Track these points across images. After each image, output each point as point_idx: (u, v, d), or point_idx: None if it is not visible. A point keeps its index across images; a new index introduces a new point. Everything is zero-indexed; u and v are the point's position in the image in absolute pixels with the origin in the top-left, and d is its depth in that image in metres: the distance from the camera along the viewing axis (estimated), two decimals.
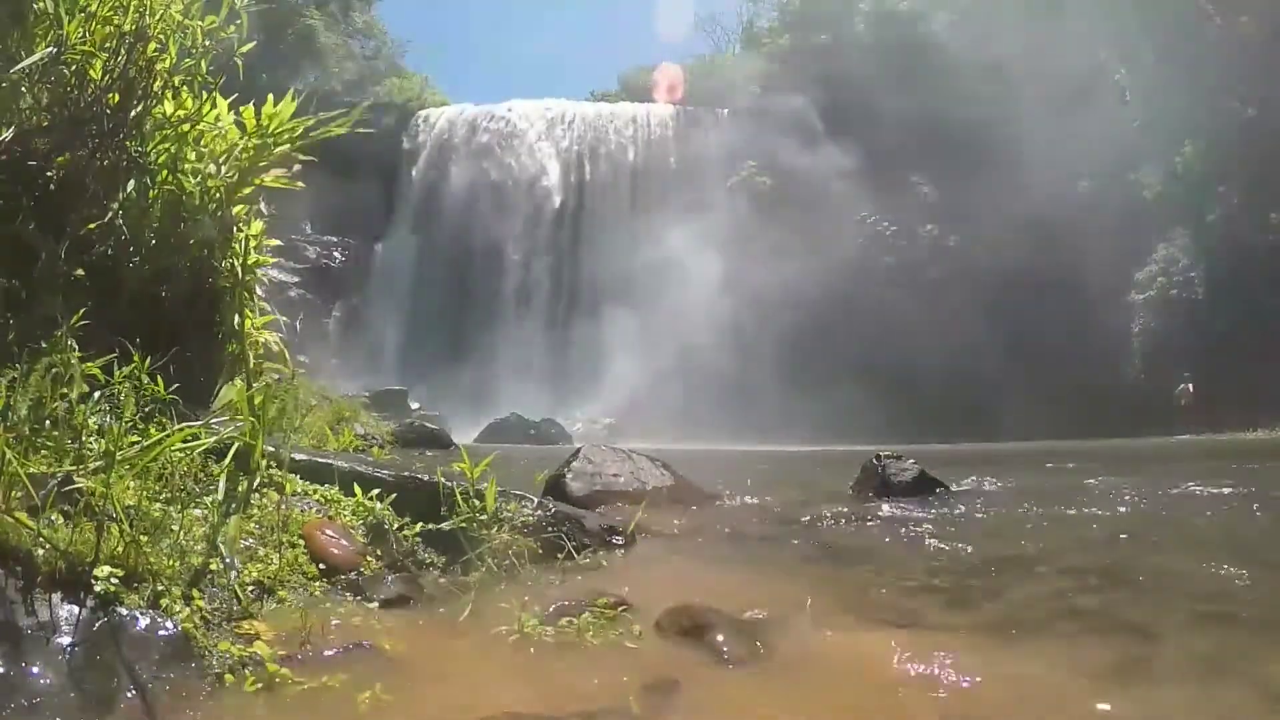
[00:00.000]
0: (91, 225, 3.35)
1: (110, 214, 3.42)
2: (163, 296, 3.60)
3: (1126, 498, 5.86)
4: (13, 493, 2.03)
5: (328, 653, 2.15)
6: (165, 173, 3.72)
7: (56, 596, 1.93)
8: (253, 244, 4.12)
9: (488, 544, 3.03)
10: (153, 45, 3.63)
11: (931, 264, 27.74)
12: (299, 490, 3.04)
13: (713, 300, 27.31)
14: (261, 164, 3.88)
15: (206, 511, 2.47)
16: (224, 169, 3.82)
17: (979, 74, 26.28)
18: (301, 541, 2.68)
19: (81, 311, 2.89)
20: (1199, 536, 4.47)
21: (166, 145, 3.73)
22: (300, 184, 4.05)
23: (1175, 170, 26.96)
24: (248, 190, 3.93)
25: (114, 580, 1.99)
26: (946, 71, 26.90)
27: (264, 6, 3.98)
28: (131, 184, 3.54)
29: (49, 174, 3.40)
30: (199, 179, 3.78)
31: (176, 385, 3.02)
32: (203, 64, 3.86)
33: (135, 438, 2.42)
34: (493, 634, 2.41)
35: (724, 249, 27.92)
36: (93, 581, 1.97)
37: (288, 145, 3.88)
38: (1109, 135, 26.86)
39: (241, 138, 3.86)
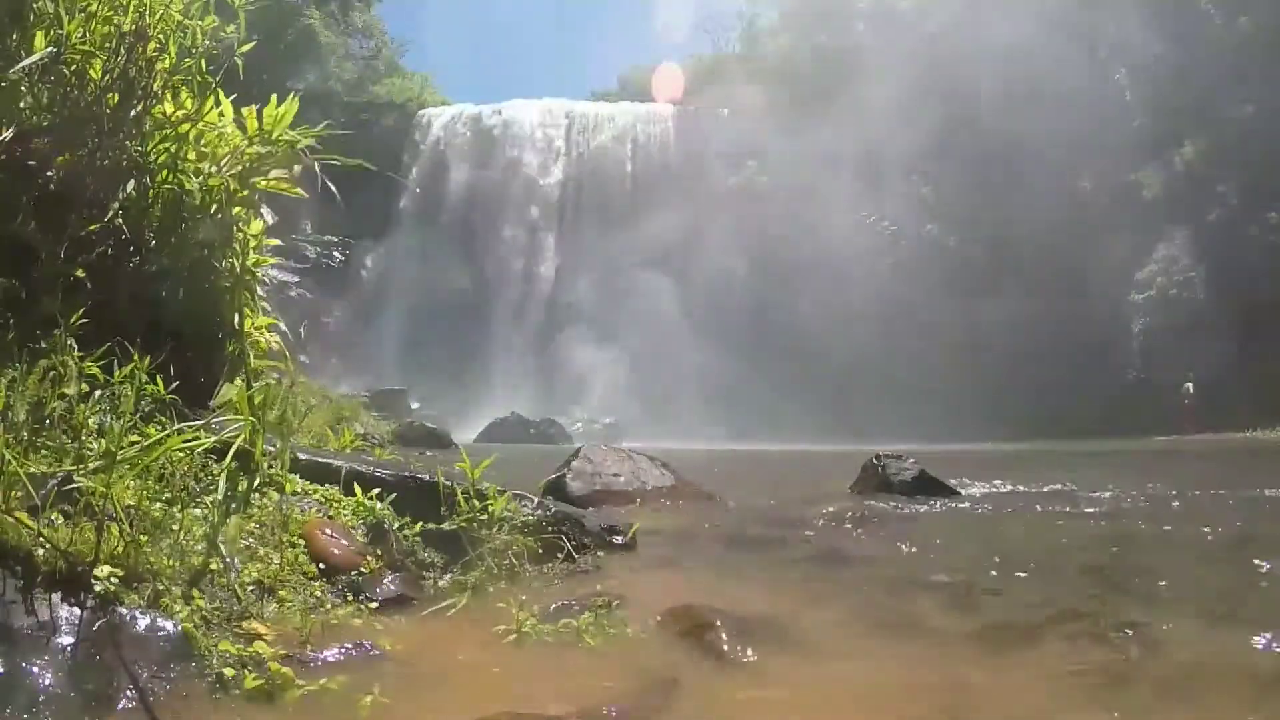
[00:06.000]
0: (91, 225, 3.34)
1: (110, 214, 3.41)
2: (163, 296, 3.60)
3: (1125, 499, 5.85)
4: (13, 493, 2.03)
5: (328, 653, 2.15)
6: (165, 173, 3.72)
7: (56, 596, 1.92)
8: (253, 244, 4.12)
9: (488, 544, 3.03)
10: (153, 45, 3.62)
11: (932, 264, 27.73)
12: (299, 490, 3.04)
13: (714, 300, 27.32)
14: (263, 167, 3.88)
15: (206, 511, 2.47)
16: (225, 170, 3.81)
17: (979, 74, 26.27)
18: (301, 541, 2.68)
19: (81, 311, 2.89)
20: (1197, 538, 4.46)
21: (166, 145, 3.72)
22: (301, 191, 4.05)
23: (1175, 170, 26.96)
24: (247, 193, 3.92)
25: (114, 580, 1.99)
26: (947, 71, 26.88)
27: (263, 4, 3.97)
28: (131, 184, 3.54)
29: (49, 174, 3.39)
30: (200, 179, 3.77)
31: (176, 385, 3.02)
32: (202, 63, 3.86)
33: (135, 437, 2.42)
34: (493, 634, 2.41)
35: (725, 249, 27.94)
36: (93, 581, 1.96)
37: (289, 150, 3.88)
38: (1109, 135, 26.87)
39: (242, 139, 3.86)
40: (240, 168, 3.79)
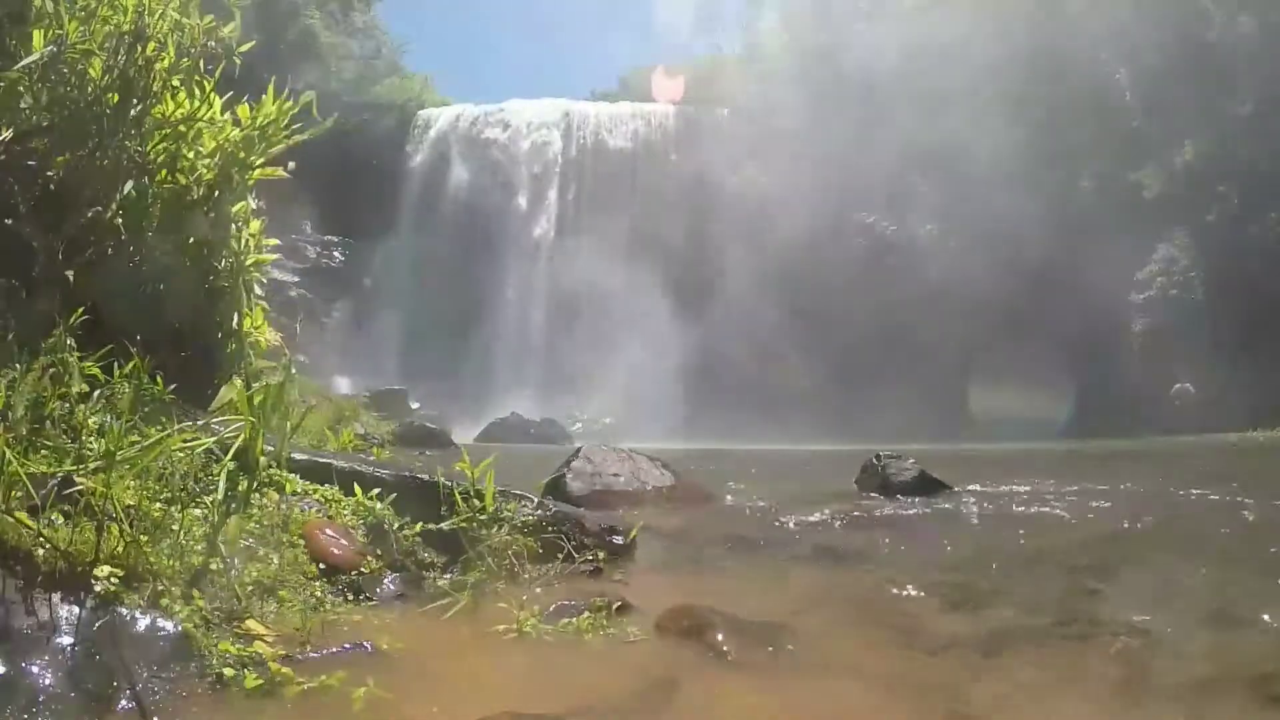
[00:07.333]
0: (91, 225, 3.34)
1: (110, 213, 3.42)
2: (163, 296, 3.60)
3: (1124, 499, 5.85)
4: (13, 493, 2.03)
5: (328, 652, 2.15)
6: (164, 172, 3.72)
7: (56, 596, 1.92)
8: (252, 243, 4.12)
9: (488, 544, 3.02)
10: (152, 45, 3.63)
11: (931, 264, 27.71)
12: (299, 490, 3.03)
13: (713, 299, 27.33)
14: (252, 158, 3.88)
15: (206, 511, 2.47)
16: (218, 164, 3.82)
17: (979, 74, 26.27)
18: (301, 541, 2.67)
19: (81, 311, 2.89)
20: (1196, 538, 4.46)
21: (165, 144, 3.72)
22: (284, 172, 4.05)
23: (1175, 170, 26.95)
24: (241, 187, 3.93)
25: (114, 580, 1.99)
26: (947, 70, 26.87)
27: (263, 4, 4.00)
28: (131, 183, 3.54)
29: (49, 174, 3.39)
30: (194, 176, 3.78)
31: (176, 385, 3.02)
32: (200, 63, 3.86)
33: (135, 438, 2.42)
34: (492, 633, 2.41)
35: (725, 248, 27.94)
36: (93, 581, 1.96)
37: (281, 144, 3.89)
38: (1109, 135, 26.87)
39: (236, 134, 3.87)
40: (234, 165, 3.80)
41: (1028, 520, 4.95)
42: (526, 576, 3.02)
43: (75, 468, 2.21)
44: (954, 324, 25.65)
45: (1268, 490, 6.15)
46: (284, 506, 2.79)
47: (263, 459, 2.82)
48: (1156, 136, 26.99)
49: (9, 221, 3.19)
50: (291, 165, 4.04)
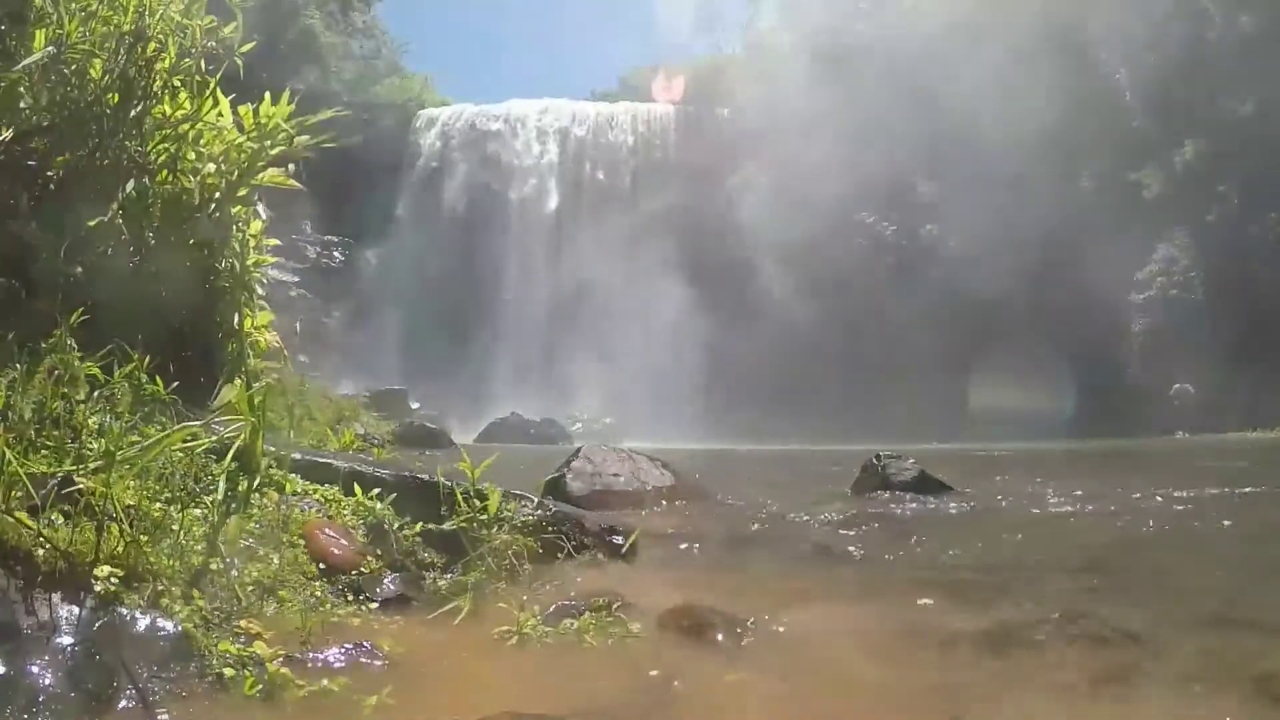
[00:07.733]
0: (91, 225, 3.34)
1: (110, 214, 3.42)
2: (163, 296, 3.60)
3: (1125, 499, 5.85)
4: (13, 493, 2.03)
5: (328, 653, 2.15)
6: (165, 172, 3.72)
7: (56, 596, 1.92)
8: (252, 243, 4.13)
9: (488, 544, 3.02)
10: (152, 45, 3.63)
11: (931, 264, 27.72)
12: (299, 490, 3.03)
13: (714, 299, 27.33)
14: (259, 163, 3.88)
15: (206, 511, 2.47)
16: (222, 167, 3.82)
17: (979, 74, 26.28)
18: (301, 541, 2.67)
19: (81, 311, 2.89)
20: (1196, 538, 4.46)
21: (166, 145, 3.73)
22: (296, 184, 4.05)
23: (1175, 170, 26.96)
24: (244, 191, 3.93)
25: (114, 580, 1.99)
26: (947, 71, 26.87)
27: (263, 4, 4.00)
28: (131, 184, 3.54)
29: (49, 174, 3.39)
30: (198, 178, 3.78)
31: (176, 385, 3.02)
32: (201, 63, 3.86)
33: (135, 438, 2.42)
34: (493, 634, 2.41)
35: (724, 248, 27.95)
36: (93, 581, 1.96)
37: (284, 145, 3.89)
38: (1109, 135, 26.88)
39: (239, 136, 3.86)
40: (236, 164, 3.80)
41: (1028, 520, 4.96)
42: (527, 577, 3.01)
43: (75, 468, 2.21)
44: (954, 324, 25.65)
45: (1267, 490, 6.16)
46: (284, 506, 2.78)
47: (263, 459, 2.81)
48: (1156, 136, 27.02)
49: (9, 221, 3.19)
50: (291, 168, 4.04)
